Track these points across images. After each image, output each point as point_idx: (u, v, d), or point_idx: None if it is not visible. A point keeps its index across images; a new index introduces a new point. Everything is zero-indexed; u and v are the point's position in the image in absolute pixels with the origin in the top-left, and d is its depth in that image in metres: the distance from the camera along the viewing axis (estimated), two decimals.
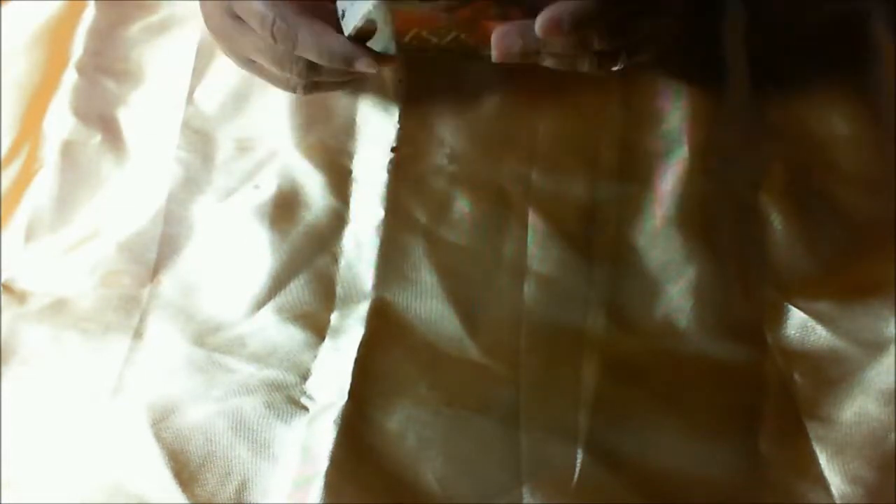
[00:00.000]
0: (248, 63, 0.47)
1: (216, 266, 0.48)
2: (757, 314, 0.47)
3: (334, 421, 0.42)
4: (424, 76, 0.50)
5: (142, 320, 0.47)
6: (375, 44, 0.42)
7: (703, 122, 0.49)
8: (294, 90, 0.47)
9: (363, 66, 0.42)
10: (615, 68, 0.44)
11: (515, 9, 0.41)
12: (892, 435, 0.44)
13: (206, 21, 0.47)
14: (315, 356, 0.45)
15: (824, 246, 0.48)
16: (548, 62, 0.43)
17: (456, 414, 0.43)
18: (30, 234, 0.50)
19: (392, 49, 0.42)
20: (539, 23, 0.40)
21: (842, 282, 0.47)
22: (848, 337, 0.46)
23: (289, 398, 0.44)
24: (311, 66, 0.44)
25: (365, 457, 0.42)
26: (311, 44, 0.42)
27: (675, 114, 0.50)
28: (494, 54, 0.42)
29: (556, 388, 0.44)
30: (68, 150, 0.52)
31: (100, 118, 0.53)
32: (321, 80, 0.46)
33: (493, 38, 0.41)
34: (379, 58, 0.42)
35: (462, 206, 0.48)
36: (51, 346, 0.47)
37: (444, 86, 0.50)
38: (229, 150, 0.51)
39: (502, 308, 0.46)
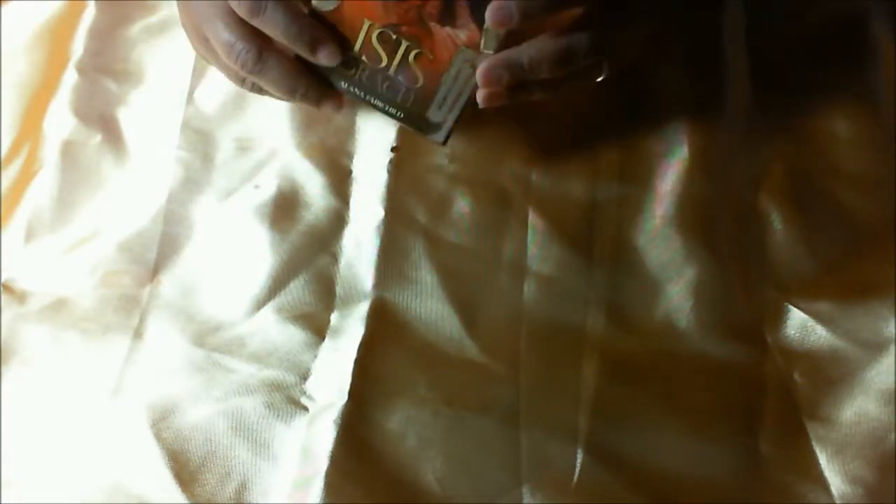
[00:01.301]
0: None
1: (216, 266, 0.48)
2: (757, 314, 0.47)
3: (334, 421, 0.42)
4: None
5: (142, 320, 0.47)
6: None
7: (703, 123, 0.49)
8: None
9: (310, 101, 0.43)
10: (599, 79, 0.43)
11: (461, 5, 0.40)
12: (892, 435, 0.44)
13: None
14: (315, 356, 0.45)
15: (824, 246, 0.48)
16: (536, 95, 0.43)
17: (456, 414, 0.43)
18: (30, 234, 0.50)
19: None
20: (488, 14, 0.39)
21: (842, 282, 0.47)
22: (848, 337, 0.46)
23: (289, 398, 0.44)
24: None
25: (365, 457, 0.42)
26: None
27: (675, 114, 0.50)
28: (481, 95, 0.41)
29: (556, 388, 0.44)
30: (68, 150, 0.52)
31: (100, 118, 0.53)
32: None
33: (479, 74, 0.41)
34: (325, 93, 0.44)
35: (462, 205, 0.48)
36: (51, 346, 0.47)
37: None
38: (229, 150, 0.51)
39: (502, 308, 0.46)
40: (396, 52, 0.42)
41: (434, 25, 0.41)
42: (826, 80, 0.52)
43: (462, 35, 0.41)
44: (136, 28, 0.55)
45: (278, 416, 0.44)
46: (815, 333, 0.46)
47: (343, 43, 0.42)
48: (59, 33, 0.55)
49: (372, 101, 0.44)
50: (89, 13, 0.56)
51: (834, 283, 0.47)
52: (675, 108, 0.50)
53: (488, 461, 0.42)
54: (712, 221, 0.48)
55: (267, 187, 0.49)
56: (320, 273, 0.47)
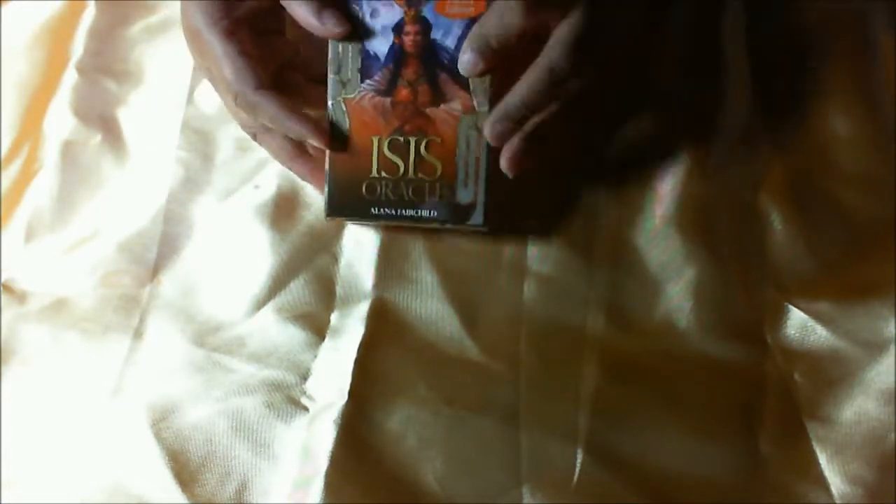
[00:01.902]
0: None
1: (216, 266, 0.48)
2: (757, 314, 0.47)
3: (334, 421, 0.42)
4: None
5: (142, 320, 0.47)
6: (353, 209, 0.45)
7: (703, 123, 0.49)
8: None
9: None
10: (601, 93, 0.44)
11: (445, 80, 0.43)
12: (892, 435, 0.44)
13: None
14: (315, 356, 0.45)
15: (824, 246, 0.48)
16: (549, 132, 0.44)
17: (456, 414, 0.43)
18: (30, 234, 0.50)
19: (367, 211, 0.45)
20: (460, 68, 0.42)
21: (842, 282, 0.47)
22: (848, 337, 0.46)
23: (289, 398, 0.44)
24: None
25: (365, 457, 0.42)
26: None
27: (675, 114, 0.50)
28: (504, 162, 0.43)
29: (556, 388, 0.44)
30: (68, 150, 0.52)
31: (100, 118, 0.53)
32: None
33: (487, 135, 0.42)
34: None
35: None
36: (51, 346, 0.47)
37: None
38: (229, 150, 0.51)
39: (502, 308, 0.46)
40: (409, 153, 0.44)
41: (431, 110, 0.44)
42: (826, 81, 0.52)
43: (457, 105, 0.44)
44: (136, 28, 0.55)
45: (278, 416, 0.44)
46: (815, 333, 0.46)
47: (362, 169, 0.44)
48: (59, 33, 0.56)
49: (404, 212, 0.45)
50: (89, 13, 0.56)
51: (834, 283, 0.47)
52: (675, 109, 0.50)
53: (488, 461, 0.42)
54: (712, 221, 0.48)
55: (267, 187, 0.49)
56: (320, 273, 0.47)
